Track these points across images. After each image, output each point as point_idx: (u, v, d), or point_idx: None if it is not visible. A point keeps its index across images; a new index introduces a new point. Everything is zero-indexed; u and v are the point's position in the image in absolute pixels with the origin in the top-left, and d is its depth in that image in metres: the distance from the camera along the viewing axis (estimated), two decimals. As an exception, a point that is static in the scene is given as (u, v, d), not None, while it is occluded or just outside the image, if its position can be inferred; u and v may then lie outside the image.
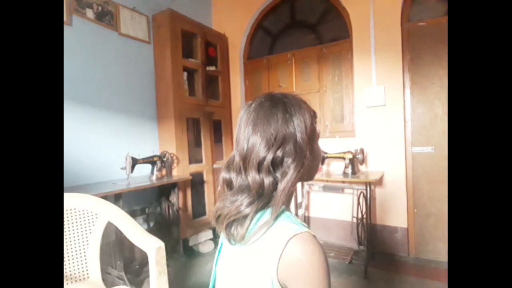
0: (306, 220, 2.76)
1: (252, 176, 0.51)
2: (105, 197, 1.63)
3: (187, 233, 2.51)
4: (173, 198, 2.37)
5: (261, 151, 0.51)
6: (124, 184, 2.01)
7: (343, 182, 2.43)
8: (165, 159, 2.38)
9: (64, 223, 1.36)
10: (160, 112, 2.58)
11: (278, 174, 0.52)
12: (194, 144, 2.77)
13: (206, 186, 2.78)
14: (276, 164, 0.52)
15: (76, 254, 1.36)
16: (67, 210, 1.39)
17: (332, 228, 2.65)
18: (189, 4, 2.97)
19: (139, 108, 2.46)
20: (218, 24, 3.24)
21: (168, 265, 1.28)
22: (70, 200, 1.41)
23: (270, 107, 0.53)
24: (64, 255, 1.33)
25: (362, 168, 2.46)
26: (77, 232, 1.39)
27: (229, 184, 0.57)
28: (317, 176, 2.23)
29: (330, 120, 2.67)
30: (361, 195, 2.28)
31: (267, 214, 0.52)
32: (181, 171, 2.51)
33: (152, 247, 1.18)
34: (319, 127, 0.57)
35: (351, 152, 2.28)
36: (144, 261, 2.24)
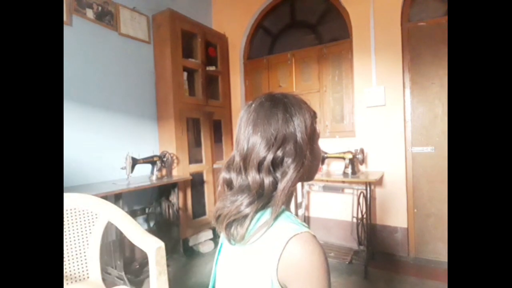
0: (306, 220, 2.76)
1: (252, 176, 0.51)
2: (105, 197, 1.63)
3: (187, 233, 2.51)
4: (173, 198, 2.37)
5: (261, 151, 0.51)
6: (124, 184, 2.01)
7: (343, 182, 2.43)
8: (165, 159, 2.38)
9: (64, 223, 1.36)
10: (160, 112, 2.58)
11: (278, 174, 0.52)
12: (194, 144, 2.77)
13: (206, 186, 2.78)
14: (276, 164, 0.52)
15: (76, 254, 1.36)
16: (67, 210, 1.39)
17: (332, 228, 2.65)
18: (189, 4, 2.97)
19: (139, 108, 2.46)
20: (218, 24, 3.24)
21: (168, 265, 1.28)
22: (70, 200, 1.41)
23: (270, 107, 0.53)
24: (64, 255, 1.33)
25: (362, 168, 2.46)
26: (77, 232, 1.39)
27: (229, 184, 0.57)
28: (317, 176, 2.23)
29: (330, 120, 2.67)
30: (361, 195, 2.28)
31: (267, 214, 0.52)
32: (181, 171, 2.51)
33: (152, 247, 1.18)
34: (319, 127, 0.57)
35: (351, 152, 2.28)
36: (144, 261, 2.24)
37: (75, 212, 1.41)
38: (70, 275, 1.32)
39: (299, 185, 2.62)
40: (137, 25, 2.44)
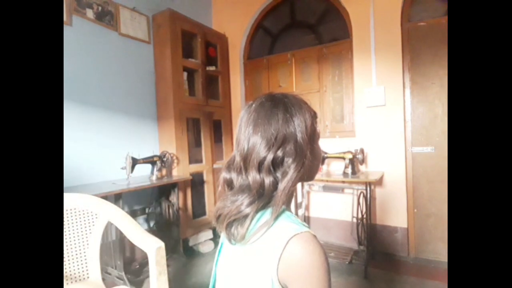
0: (306, 220, 2.76)
1: (253, 176, 0.51)
2: (105, 197, 1.63)
3: (187, 233, 2.51)
4: (173, 198, 2.37)
5: (262, 151, 0.51)
6: (124, 184, 2.01)
7: (343, 182, 2.43)
8: (165, 159, 2.38)
9: (64, 223, 1.36)
10: (160, 112, 2.58)
11: (278, 174, 0.52)
12: (194, 144, 2.77)
13: (206, 186, 2.78)
14: (276, 164, 0.52)
15: (76, 254, 1.36)
16: (67, 210, 1.39)
17: (332, 228, 2.65)
18: (189, 4, 2.97)
19: (139, 108, 2.46)
20: (218, 24, 3.24)
21: (168, 265, 1.28)
22: (70, 200, 1.41)
23: (270, 107, 0.54)
24: (64, 255, 1.33)
25: (362, 168, 2.46)
26: (77, 232, 1.39)
27: (229, 184, 0.57)
28: (317, 176, 2.22)
29: (330, 120, 2.67)
30: (361, 195, 2.28)
31: (267, 214, 0.52)
32: (181, 171, 2.51)
33: (152, 247, 1.18)
34: (319, 127, 0.57)
35: (351, 152, 2.28)
36: (144, 261, 2.24)
37: (75, 212, 1.41)
38: (70, 275, 1.32)
39: (299, 185, 2.62)
40: (137, 25, 2.44)
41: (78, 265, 1.35)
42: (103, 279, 1.38)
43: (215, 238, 2.71)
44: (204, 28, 2.85)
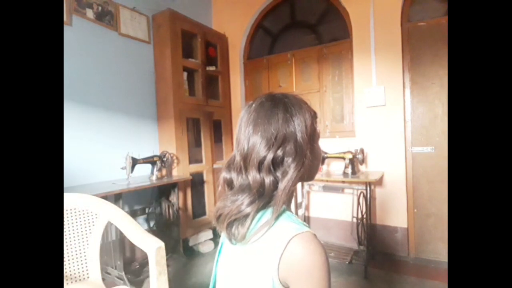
0: (306, 220, 2.76)
1: (253, 176, 0.51)
2: (105, 197, 1.63)
3: (187, 233, 2.51)
4: (173, 198, 2.36)
5: (262, 150, 0.51)
6: (124, 184, 2.01)
7: (343, 182, 2.43)
8: (165, 159, 2.38)
9: (64, 223, 1.36)
10: (160, 112, 2.58)
11: (278, 174, 0.52)
12: (194, 144, 2.77)
13: (206, 186, 2.78)
14: (276, 163, 0.52)
15: (76, 254, 1.36)
16: (67, 210, 1.39)
17: (332, 228, 2.65)
18: (189, 4, 2.97)
19: (139, 108, 2.46)
20: (218, 24, 3.24)
21: (168, 265, 1.28)
22: (70, 200, 1.41)
23: (270, 107, 0.54)
24: (64, 255, 1.33)
25: (362, 168, 2.46)
26: (77, 232, 1.39)
27: (229, 183, 0.57)
28: (317, 176, 2.22)
29: (330, 120, 2.67)
30: (361, 195, 2.28)
31: (268, 213, 0.52)
32: (181, 171, 2.51)
33: (152, 247, 1.18)
34: (319, 127, 0.58)
35: (351, 152, 2.28)
36: (144, 261, 2.24)
37: (75, 212, 1.41)
38: (70, 275, 1.32)
39: (299, 185, 2.62)
40: (137, 25, 2.44)
41: (78, 265, 1.35)
42: (103, 279, 1.38)
43: (215, 238, 2.71)
44: (204, 28, 2.85)
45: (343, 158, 2.31)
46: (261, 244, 0.50)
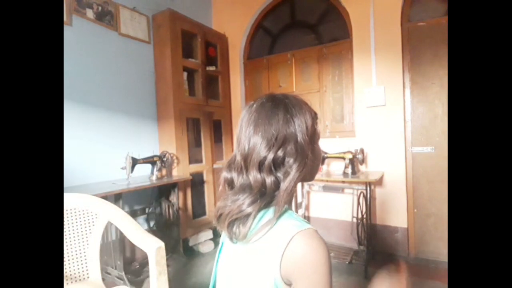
0: (306, 220, 2.76)
1: (254, 175, 0.52)
2: (105, 197, 1.63)
3: (187, 233, 2.51)
4: (173, 198, 2.36)
5: (262, 151, 0.51)
6: (124, 184, 2.01)
7: (343, 182, 2.43)
8: (165, 159, 2.38)
9: (64, 223, 1.36)
10: (160, 112, 2.58)
11: (280, 174, 0.52)
12: (194, 144, 2.77)
13: (206, 186, 2.78)
14: (277, 164, 0.52)
15: (76, 254, 1.36)
16: (67, 210, 1.39)
17: (332, 228, 2.65)
18: (189, 4, 2.97)
19: (139, 108, 2.46)
20: (218, 24, 3.24)
21: (168, 265, 1.28)
22: (70, 200, 1.41)
23: (271, 107, 0.54)
24: (64, 255, 1.33)
25: (362, 168, 2.46)
26: (77, 232, 1.39)
27: (230, 183, 0.57)
28: (317, 176, 2.23)
29: (330, 120, 2.67)
30: (361, 195, 2.28)
31: (269, 213, 0.52)
32: (181, 171, 2.51)
33: (152, 247, 1.18)
34: (319, 127, 0.58)
35: (351, 152, 2.28)
36: (144, 261, 2.24)
37: (75, 212, 1.41)
38: (70, 275, 1.32)
39: (299, 185, 2.61)
40: (137, 25, 2.44)
41: (78, 265, 1.35)
42: (103, 279, 1.38)
43: (215, 238, 2.71)
44: (204, 28, 2.85)
45: (343, 158, 2.31)
46: (262, 243, 0.50)
